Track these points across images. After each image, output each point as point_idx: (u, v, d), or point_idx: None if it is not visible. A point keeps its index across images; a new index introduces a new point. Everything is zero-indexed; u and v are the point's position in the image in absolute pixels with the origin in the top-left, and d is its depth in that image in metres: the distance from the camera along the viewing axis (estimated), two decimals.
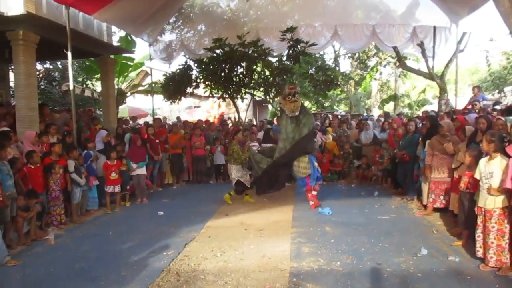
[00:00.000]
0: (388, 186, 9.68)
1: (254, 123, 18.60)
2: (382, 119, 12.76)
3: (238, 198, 8.53)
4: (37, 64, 12.66)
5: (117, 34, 15.84)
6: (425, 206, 7.11)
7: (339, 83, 15.57)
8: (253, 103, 18.94)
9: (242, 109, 17.43)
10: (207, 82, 12.32)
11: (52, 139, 7.77)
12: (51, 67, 17.36)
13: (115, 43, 13.49)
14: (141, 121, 17.80)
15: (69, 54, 8.44)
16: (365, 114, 16.56)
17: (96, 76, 16.23)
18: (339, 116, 16.46)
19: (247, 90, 12.67)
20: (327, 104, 25.22)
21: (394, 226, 6.31)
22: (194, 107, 23.98)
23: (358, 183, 10.54)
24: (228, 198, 8.34)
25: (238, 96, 12.69)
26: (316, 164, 7.80)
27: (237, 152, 8.03)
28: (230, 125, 14.10)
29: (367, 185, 10.22)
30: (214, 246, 5.50)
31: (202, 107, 22.56)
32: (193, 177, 11.39)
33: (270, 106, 23.56)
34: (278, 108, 8.08)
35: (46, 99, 15.52)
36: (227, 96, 12.77)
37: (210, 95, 13.03)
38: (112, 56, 12.27)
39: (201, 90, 14.00)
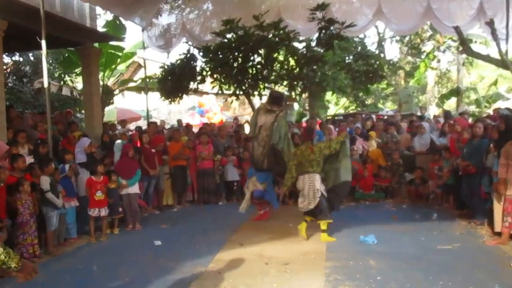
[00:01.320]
0: (450, 207, 9.59)
1: None
2: (441, 120, 12.63)
3: (257, 223, 8.55)
4: (4, 56, 12.93)
5: (102, 18, 16.18)
6: (498, 233, 7.00)
7: (384, 74, 15.49)
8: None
9: None
10: (215, 75, 12.40)
11: (22, 149, 7.90)
12: (21, 60, 17.72)
13: (100, 29, 13.72)
14: (132, 126, 17.98)
15: (43, 43, 8.60)
16: (419, 113, 16.43)
17: (76, 70, 16.49)
18: (385, 117, 16.37)
19: (266, 84, 12.70)
20: (369, 101, 25.18)
21: (458, 258, 6.24)
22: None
23: (410, 202, 10.46)
24: (327, 236, 7.47)
25: (255, 92, 12.74)
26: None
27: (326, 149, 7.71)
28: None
29: (423, 205, 10.13)
30: (226, 285, 5.50)
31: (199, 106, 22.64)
32: (198, 197, 11.45)
33: (296, 105, 23.60)
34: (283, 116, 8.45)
35: (15, 99, 15.84)
36: (241, 92, 12.82)
37: (220, 92, 13.09)
38: (96, 45, 12.46)
39: (207, 86, 14.09)
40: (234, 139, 12.50)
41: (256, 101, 14.38)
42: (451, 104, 24.67)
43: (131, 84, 17.94)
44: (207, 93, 21.48)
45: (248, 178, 9.11)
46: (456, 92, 21.35)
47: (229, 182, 11.52)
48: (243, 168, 11.45)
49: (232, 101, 13.65)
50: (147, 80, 15.17)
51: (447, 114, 13.63)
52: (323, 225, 7.44)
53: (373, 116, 16.48)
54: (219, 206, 11.13)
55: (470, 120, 12.53)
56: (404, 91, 23.44)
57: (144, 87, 15.37)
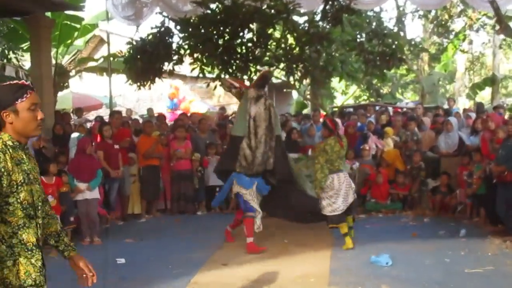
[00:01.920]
0: (481, 221, 9.63)
1: None
2: (473, 115, 12.70)
3: (242, 239, 8.57)
4: None
5: None
6: None
7: (404, 57, 15.51)
8: (268, 87, 19.01)
9: None
10: (195, 55, 12.38)
11: None
12: None
13: None
14: (91, 116, 17.93)
15: None
16: (445, 106, 16.53)
17: (23, 45, 16.43)
18: (405, 110, 16.43)
19: (258, 67, 12.72)
20: (385, 90, 25.25)
21: (490, 284, 6.28)
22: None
23: (433, 215, 10.51)
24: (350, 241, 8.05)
25: (245, 76, 12.74)
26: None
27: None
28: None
29: (448, 219, 10.17)
30: None
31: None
32: (171, 205, 11.45)
33: (295, 93, 23.63)
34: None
35: None
36: (227, 76, 12.83)
37: (201, 74, 13.06)
38: (48, 15, 12.38)
39: (186, 68, 14.06)
40: (217, 135, 12.48)
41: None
42: (484, 95, 24.84)
43: (91, 64, 17.80)
44: (185, 77, 21.46)
45: (247, 189, 8.31)
46: (491, 81, 21.47)
47: (210, 188, 11.46)
48: None
49: (215, 87, 13.62)
50: (111, 59, 15.11)
51: (479, 108, 13.71)
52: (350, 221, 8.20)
53: (390, 109, 16.56)
54: (198, 217, 11.14)
55: (506, 116, 12.60)
56: (428, 79, 23.51)
57: (107, 68, 15.31)
